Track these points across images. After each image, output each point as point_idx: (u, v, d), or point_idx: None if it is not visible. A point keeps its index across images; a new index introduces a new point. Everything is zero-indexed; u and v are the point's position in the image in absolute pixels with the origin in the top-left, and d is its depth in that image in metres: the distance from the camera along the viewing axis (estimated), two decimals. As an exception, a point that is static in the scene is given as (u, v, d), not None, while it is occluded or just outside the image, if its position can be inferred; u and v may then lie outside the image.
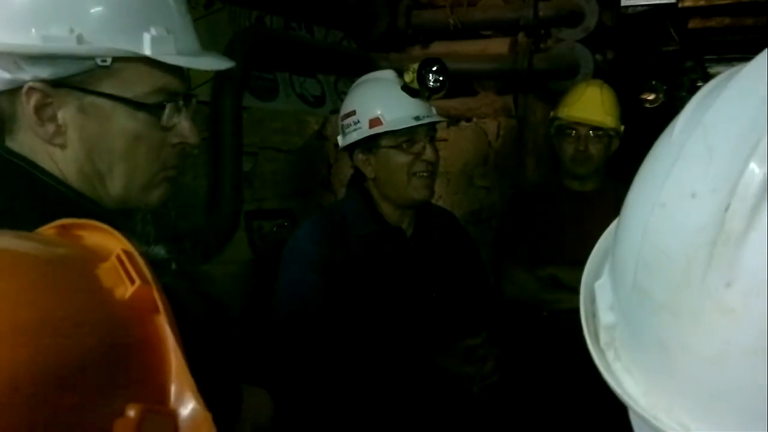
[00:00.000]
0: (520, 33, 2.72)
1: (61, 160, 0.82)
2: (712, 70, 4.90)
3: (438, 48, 2.87)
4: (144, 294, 0.41)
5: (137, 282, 0.41)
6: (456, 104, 2.88)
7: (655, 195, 0.40)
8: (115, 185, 0.85)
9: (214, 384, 0.43)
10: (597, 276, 0.49)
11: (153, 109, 0.84)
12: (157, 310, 0.41)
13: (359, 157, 1.58)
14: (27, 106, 0.78)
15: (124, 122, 0.83)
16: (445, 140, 1.67)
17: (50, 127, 0.80)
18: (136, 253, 0.43)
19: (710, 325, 0.36)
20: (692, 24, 2.69)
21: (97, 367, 0.38)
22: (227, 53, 2.18)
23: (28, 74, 0.77)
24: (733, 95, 0.39)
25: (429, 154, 1.54)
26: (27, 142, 0.82)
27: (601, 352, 0.45)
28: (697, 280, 0.37)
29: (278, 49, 2.42)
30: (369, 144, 1.55)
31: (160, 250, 0.50)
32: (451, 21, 2.75)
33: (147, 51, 0.80)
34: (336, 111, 2.69)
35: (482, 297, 1.75)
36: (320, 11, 2.70)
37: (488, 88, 2.85)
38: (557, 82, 2.59)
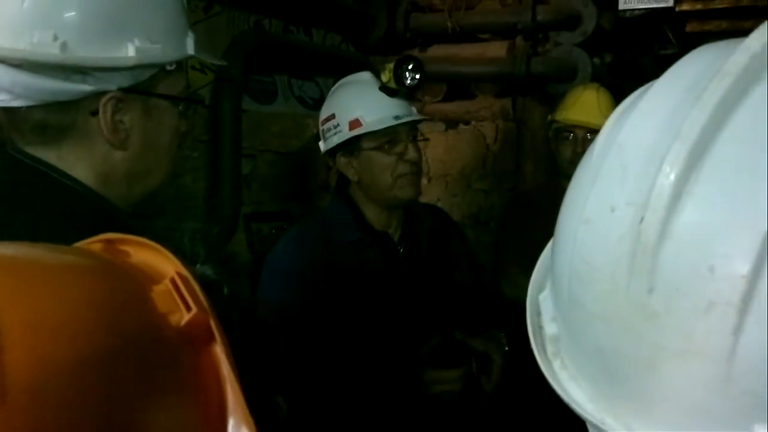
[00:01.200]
0: (518, 36, 2.73)
1: (116, 163, 0.86)
2: (709, 74, 4.91)
3: (436, 51, 2.87)
4: (200, 321, 0.39)
5: (194, 309, 0.39)
6: (454, 107, 2.88)
7: (580, 211, 0.43)
8: (158, 178, 0.91)
9: (262, 410, 0.42)
10: (541, 289, 0.52)
11: (189, 104, 0.93)
12: (213, 338, 0.39)
13: (341, 160, 1.55)
14: (105, 114, 0.81)
15: (170, 119, 0.90)
16: (427, 139, 1.66)
17: (122, 134, 0.84)
18: (191, 277, 0.41)
19: (639, 331, 0.38)
20: (690, 27, 2.70)
21: (150, 400, 0.36)
22: (226, 57, 2.18)
23: (106, 84, 0.80)
24: (643, 112, 0.42)
25: (411, 153, 1.51)
26: (75, 151, 0.83)
27: (549, 363, 0.47)
28: (622, 288, 0.39)
29: (277, 53, 2.42)
30: (351, 147, 1.53)
31: (207, 270, 0.48)
32: (450, 24, 2.76)
33: (191, 51, 0.89)
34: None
35: (478, 291, 1.72)
36: (319, 15, 2.71)
37: (486, 91, 2.85)
38: (555, 86, 2.60)
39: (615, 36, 2.74)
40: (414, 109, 1.60)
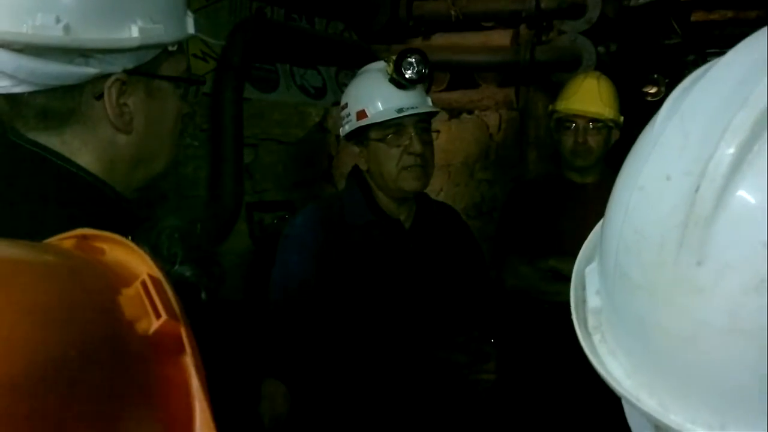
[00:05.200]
0: (522, 25, 2.71)
1: (120, 147, 0.85)
2: (714, 63, 4.88)
3: (439, 40, 2.86)
4: (170, 330, 0.36)
5: (163, 317, 0.36)
6: (457, 96, 2.87)
7: (635, 179, 0.41)
8: (161, 162, 0.91)
9: (236, 423, 0.40)
10: (589, 262, 0.50)
11: (190, 86, 0.92)
12: (183, 349, 0.36)
13: (354, 149, 1.59)
14: (110, 97, 0.80)
15: (173, 101, 0.89)
16: (437, 131, 1.65)
17: (126, 117, 0.83)
18: (163, 280, 0.38)
19: (683, 305, 0.37)
20: (695, 17, 2.69)
21: (110, 411, 0.33)
22: (228, 44, 2.18)
23: (110, 67, 0.79)
24: (709, 83, 0.41)
25: (416, 146, 1.51)
26: (79, 136, 0.82)
27: (588, 336, 0.46)
28: (670, 259, 0.38)
29: (279, 41, 2.41)
30: (360, 136, 1.56)
31: (186, 271, 0.45)
32: (453, 12, 2.74)
33: (192, 30, 0.88)
34: (337, 103, 2.69)
35: (482, 291, 1.74)
36: (321, 2, 2.69)
37: (490, 80, 2.84)
38: (559, 75, 2.58)
39: (620, 25, 2.73)
40: (428, 101, 1.60)
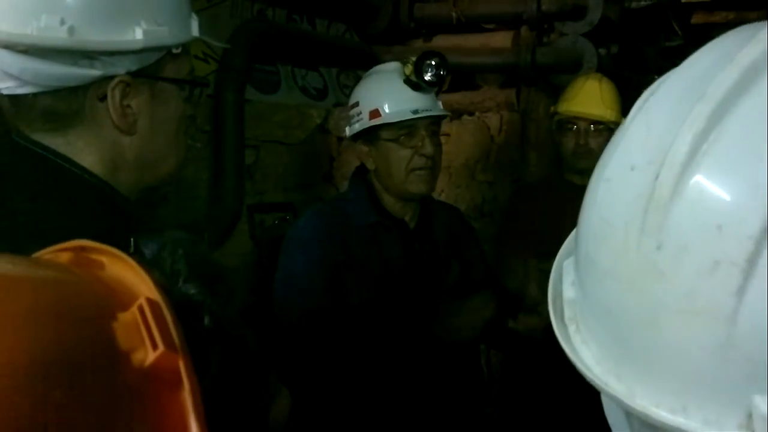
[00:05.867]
0: (523, 27, 2.71)
1: (124, 149, 0.85)
2: (715, 65, 4.88)
3: (440, 41, 2.86)
4: (167, 363, 0.33)
5: (160, 348, 0.33)
6: (458, 98, 2.87)
7: (602, 171, 0.44)
8: (170, 164, 0.92)
9: None
10: (568, 255, 0.52)
11: (194, 88, 0.93)
12: (180, 383, 0.34)
13: (362, 148, 1.59)
14: (113, 99, 0.81)
15: (177, 103, 0.89)
16: (447, 135, 1.66)
17: (130, 119, 0.83)
18: (162, 305, 0.35)
19: (645, 289, 0.38)
20: (696, 19, 2.68)
21: None
22: (230, 46, 2.18)
23: (115, 69, 0.79)
24: (673, 81, 0.43)
25: (428, 148, 1.53)
26: (82, 138, 0.83)
27: (564, 328, 0.47)
28: (633, 245, 0.39)
29: (280, 42, 2.41)
30: (370, 136, 1.56)
31: (190, 290, 0.42)
32: (454, 14, 2.74)
33: (196, 33, 0.88)
34: (338, 104, 2.70)
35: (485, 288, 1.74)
36: (322, 4, 2.69)
37: (491, 81, 2.84)
38: (560, 76, 2.58)
39: (621, 27, 2.73)
40: (439, 104, 1.61)
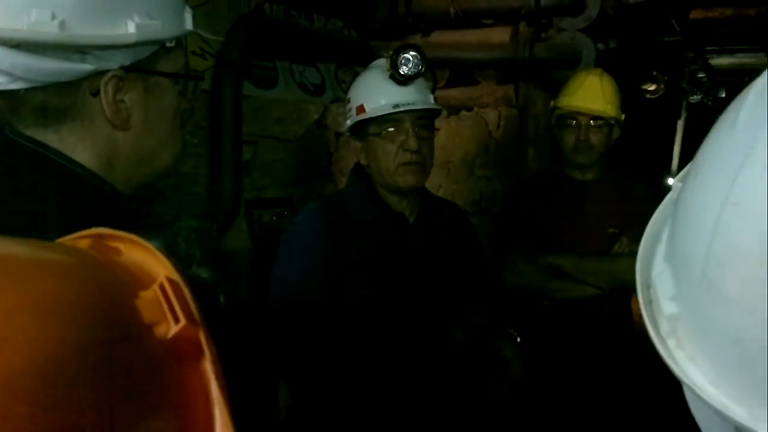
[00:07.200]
0: (521, 22, 2.71)
1: (118, 144, 0.84)
2: (713, 61, 4.88)
3: (438, 37, 2.85)
4: (189, 335, 0.35)
5: (182, 321, 0.35)
6: (456, 93, 2.87)
7: (725, 192, 0.39)
8: (165, 159, 0.91)
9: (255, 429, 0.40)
10: (649, 263, 0.50)
11: (187, 81, 0.92)
12: (202, 354, 0.36)
13: (356, 144, 1.60)
14: (106, 94, 0.80)
15: (171, 97, 0.89)
16: (438, 129, 1.65)
17: (123, 114, 0.83)
18: (181, 283, 0.37)
19: None
20: (694, 14, 2.68)
21: (128, 416, 0.32)
22: (227, 41, 2.17)
23: (107, 63, 0.79)
24: None
25: (411, 143, 1.52)
26: (76, 133, 0.82)
27: (663, 340, 0.45)
28: None
29: (278, 38, 2.40)
30: (360, 131, 1.57)
31: (203, 273, 0.44)
32: (452, 9, 2.74)
33: (190, 26, 0.88)
34: (336, 100, 2.69)
35: (484, 286, 1.75)
36: (320, -1, 2.69)
37: (489, 77, 2.84)
38: (559, 72, 2.58)
39: (619, 22, 2.72)
40: (430, 98, 1.60)
